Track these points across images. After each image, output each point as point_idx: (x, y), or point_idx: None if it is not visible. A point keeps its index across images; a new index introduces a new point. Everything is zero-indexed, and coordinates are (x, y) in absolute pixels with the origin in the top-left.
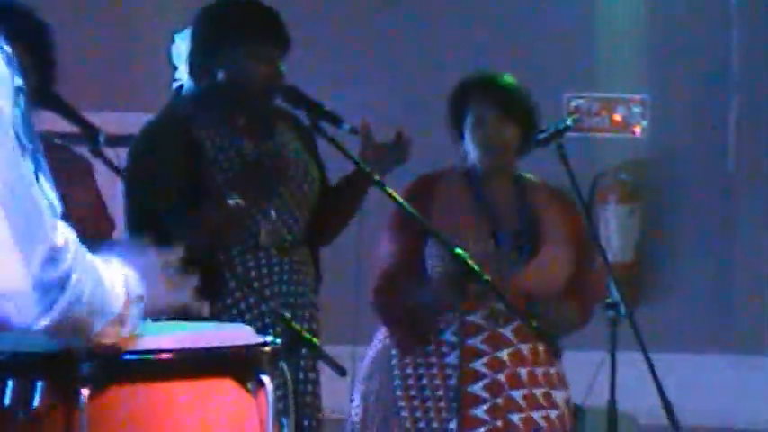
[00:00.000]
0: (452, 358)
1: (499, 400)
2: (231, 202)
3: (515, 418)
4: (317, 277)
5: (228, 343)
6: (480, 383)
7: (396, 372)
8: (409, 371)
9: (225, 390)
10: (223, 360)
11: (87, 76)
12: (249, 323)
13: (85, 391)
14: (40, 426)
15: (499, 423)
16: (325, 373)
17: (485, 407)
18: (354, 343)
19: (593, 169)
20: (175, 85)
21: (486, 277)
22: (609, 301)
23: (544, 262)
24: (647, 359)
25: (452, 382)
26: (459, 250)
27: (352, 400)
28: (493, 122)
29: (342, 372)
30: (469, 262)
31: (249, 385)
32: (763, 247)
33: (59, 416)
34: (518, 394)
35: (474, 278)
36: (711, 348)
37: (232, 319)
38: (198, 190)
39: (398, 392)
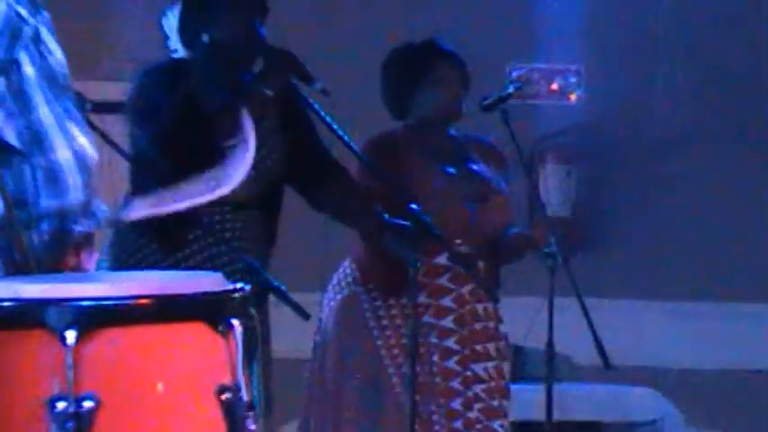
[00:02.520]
0: (422, 297)
1: (465, 332)
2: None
3: (478, 347)
4: (269, 242)
5: (201, 289)
6: (450, 317)
7: (368, 315)
8: (382, 313)
9: (197, 332)
10: (196, 305)
11: (70, 46)
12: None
13: (71, 334)
14: (33, 366)
15: (467, 351)
16: (287, 315)
17: (454, 338)
18: (322, 290)
19: (534, 133)
20: (174, 55)
21: (439, 233)
22: (547, 251)
23: (498, 203)
24: (582, 304)
25: (426, 318)
26: (413, 205)
27: (314, 346)
28: (456, 83)
29: (306, 316)
30: (423, 217)
31: (220, 328)
32: (692, 204)
33: (49, 357)
34: (479, 326)
35: (428, 233)
36: (644, 296)
37: (197, 268)
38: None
39: (375, 333)
